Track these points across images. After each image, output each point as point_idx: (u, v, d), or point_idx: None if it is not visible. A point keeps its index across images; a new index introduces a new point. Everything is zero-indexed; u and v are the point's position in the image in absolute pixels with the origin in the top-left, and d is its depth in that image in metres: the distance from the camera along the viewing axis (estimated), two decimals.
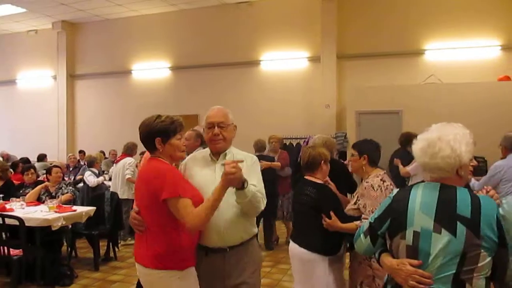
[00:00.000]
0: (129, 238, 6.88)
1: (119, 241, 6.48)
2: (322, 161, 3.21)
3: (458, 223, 1.70)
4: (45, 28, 12.45)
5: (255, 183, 2.38)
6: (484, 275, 1.72)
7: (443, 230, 1.72)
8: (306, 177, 3.25)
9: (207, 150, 2.58)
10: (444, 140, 1.80)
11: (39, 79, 12.93)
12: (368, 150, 3.15)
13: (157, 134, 2.34)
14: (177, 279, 2.29)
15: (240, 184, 2.20)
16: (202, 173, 2.47)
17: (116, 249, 6.13)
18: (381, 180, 2.97)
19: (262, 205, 2.38)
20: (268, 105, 10.35)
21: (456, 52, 8.96)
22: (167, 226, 2.28)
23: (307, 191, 3.12)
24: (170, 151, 2.36)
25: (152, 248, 2.29)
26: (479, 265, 1.70)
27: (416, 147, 1.89)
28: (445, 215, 1.74)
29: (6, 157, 10.88)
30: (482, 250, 1.69)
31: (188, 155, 4.00)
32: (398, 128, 8.48)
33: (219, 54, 10.81)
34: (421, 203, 1.81)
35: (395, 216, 1.87)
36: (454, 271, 1.71)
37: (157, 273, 2.28)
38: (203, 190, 2.37)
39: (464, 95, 8.06)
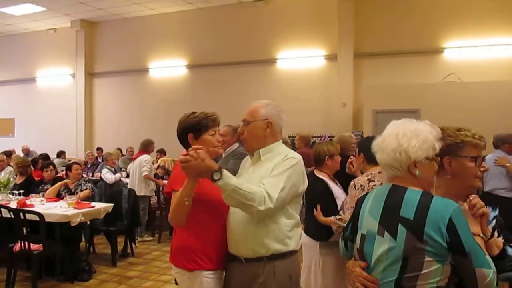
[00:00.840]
0: (146, 235, 6.97)
1: (136, 238, 6.55)
2: (327, 157, 3.42)
3: (400, 225, 1.58)
4: (64, 27, 12.62)
5: (265, 181, 2.07)
6: (434, 285, 1.55)
7: (385, 233, 1.62)
8: (314, 170, 3.50)
9: None
10: (393, 134, 1.71)
11: (58, 77, 13.12)
12: (365, 147, 3.07)
13: (189, 130, 2.33)
14: (186, 279, 2.24)
15: (209, 175, 1.93)
16: (244, 173, 2.35)
17: (134, 246, 6.20)
18: (368, 179, 2.95)
19: (258, 206, 1.97)
20: (284, 104, 10.10)
21: (477, 51, 8.80)
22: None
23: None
24: (204, 146, 2.20)
25: (173, 243, 2.34)
26: (422, 272, 1.54)
27: (374, 142, 1.80)
28: (389, 217, 1.63)
29: (26, 152, 11.09)
30: (426, 256, 1.53)
31: (225, 151, 4.03)
32: None
33: (235, 52, 10.82)
34: (370, 205, 1.74)
35: (353, 219, 1.84)
36: (395, 277, 1.58)
37: (174, 268, 2.33)
38: None
39: (484, 94, 7.93)
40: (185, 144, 2.34)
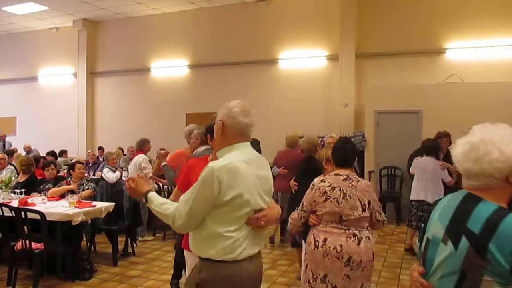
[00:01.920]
0: (147, 235, 6.96)
1: (137, 237, 6.56)
2: (324, 162, 3.60)
3: (464, 237, 1.50)
4: (66, 26, 12.64)
5: (180, 198, 2.18)
6: None
7: (449, 241, 1.56)
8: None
9: None
10: (490, 142, 1.55)
11: (60, 76, 13.15)
12: (333, 150, 3.28)
13: (208, 131, 2.75)
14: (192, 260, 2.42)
15: (140, 196, 2.26)
16: None
17: (135, 245, 6.20)
18: (321, 180, 3.12)
19: (173, 224, 2.12)
20: (286, 104, 10.33)
21: (478, 51, 8.82)
22: None
23: None
24: None
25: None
26: None
27: (457, 151, 1.64)
28: (455, 226, 1.56)
29: (28, 150, 11.12)
30: (486, 275, 1.43)
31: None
32: (417, 128, 8.41)
33: (237, 52, 10.83)
34: (441, 210, 1.68)
35: (426, 222, 1.81)
36: None
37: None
38: None
39: (486, 95, 7.92)
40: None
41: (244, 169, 2.11)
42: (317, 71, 10.27)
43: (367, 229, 3.02)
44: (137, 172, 6.77)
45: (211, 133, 2.39)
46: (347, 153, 3.20)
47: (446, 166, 5.93)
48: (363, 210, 2.97)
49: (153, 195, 2.22)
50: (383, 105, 8.74)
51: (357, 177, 3.10)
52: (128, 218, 6.00)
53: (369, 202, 2.99)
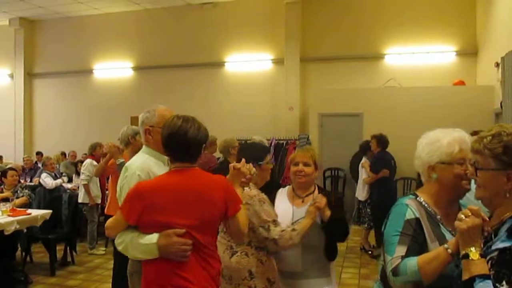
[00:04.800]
0: (96, 247, 6.45)
1: (91, 250, 6.33)
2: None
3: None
4: (2, 25, 11.99)
5: None
6: None
7: None
8: None
9: None
10: (420, 142, 1.94)
11: None
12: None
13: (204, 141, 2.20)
14: None
15: None
16: None
17: (74, 254, 5.97)
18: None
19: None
20: (233, 107, 10.35)
21: (414, 57, 9.26)
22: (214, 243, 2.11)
23: None
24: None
25: (213, 267, 2.02)
26: None
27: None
28: None
29: None
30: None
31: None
32: (359, 130, 8.68)
33: (183, 54, 10.73)
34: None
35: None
36: None
37: None
38: None
39: (421, 99, 8.34)
40: (196, 157, 2.12)
41: None
42: (263, 75, 10.38)
43: (249, 243, 2.44)
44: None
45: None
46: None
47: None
48: None
49: None
50: (327, 108, 8.96)
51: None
52: (67, 225, 5.78)
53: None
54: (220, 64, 10.59)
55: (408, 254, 1.64)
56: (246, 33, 10.34)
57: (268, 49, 10.27)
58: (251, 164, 2.26)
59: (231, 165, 2.21)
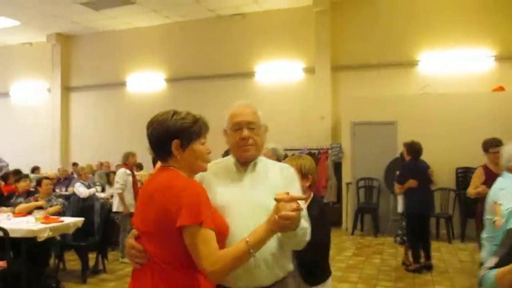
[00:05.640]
0: None
1: (123, 258, 6.33)
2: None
3: None
4: (40, 41, 12.44)
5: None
6: None
7: None
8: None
9: (229, 159, 2.02)
10: None
11: (34, 92, 12.90)
12: None
13: (175, 135, 1.74)
14: None
15: (297, 226, 1.67)
16: (226, 190, 1.90)
17: (106, 261, 5.99)
18: None
19: (308, 237, 1.85)
20: (263, 116, 10.21)
21: (451, 63, 8.97)
22: (183, 263, 1.66)
23: None
24: (190, 160, 1.76)
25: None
26: None
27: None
28: None
29: None
30: None
31: None
32: (393, 139, 8.44)
33: (214, 65, 10.80)
34: None
35: None
36: None
37: None
38: (226, 212, 1.83)
39: (458, 106, 8.06)
40: (163, 152, 1.78)
41: None
42: (294, 84, 10.30)
43: None
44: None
45: (181, 138, 1.80)
46: None
47: None
48: None
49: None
50: (359, 117, 8.78)
51: None
52: (99, 233, 5.81)
53: None
54: (250, 74, 10.58)
55: (497, 266, 1.62)
56: (275, 42, 10.32)
57: (299, 58, 10.19)
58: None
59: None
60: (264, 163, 2.01)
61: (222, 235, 1.74)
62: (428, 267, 5.86)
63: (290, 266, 1.97)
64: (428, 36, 9.10)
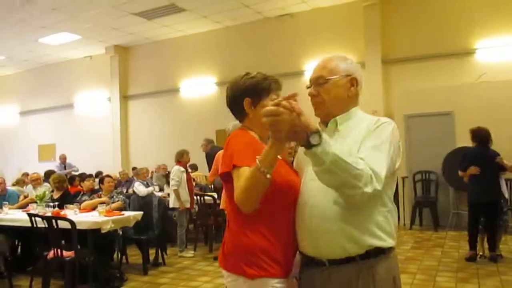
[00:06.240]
0: (185, 250, 6.70)
1: (181, 253, 6.59)
2: None
3: None
4: (99, 53, 13.16)
5: (364, 155, 1.53)
6: None
7: None
8: None
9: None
10: None
11: (95, 102, 13.63)
12: None
13: (245, 93, 1.82)
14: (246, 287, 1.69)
15: (303, 138, 1.42)
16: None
17: (165, 255, 6.23)
18: None
19: (364, 187, 1.46)
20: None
21: (508, 50, 8.50)
22: (236, 218, 1.75)
23: None
24: (261, 117, 1.55)
25: (225, 243, 1.81)
26: None
27: None
28: None
29: (63, 160, 11.81)
30: None
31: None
32: (450, 130, 8.16)
33: (263, 66, 10.72)
34: None
35: None
36: None
37: (227, 275, 1.77)
38: (301, 174, 1.76)
39: None
40: (239, 113, 1.87)
41: None
42: None
43: None
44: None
45: (252, 96, 1.84)
46: None
47: None
48: None
49: (328, 137, 1.47)
50: (413, 109, 8.57)
51: None
52: (157, 228, 6.06)
53: None
54: (300, 73, 10.59)
55: None
56: (324, 39, 10.28)
57: (349, 53, 9.92)
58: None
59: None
60: (355, 120, 1.75)
61: (291, 190, 1.72)
62: (493, 259, 5.60)
63: (371, 241, 1.58)
64: (482, 24, 8.69)
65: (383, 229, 1.61)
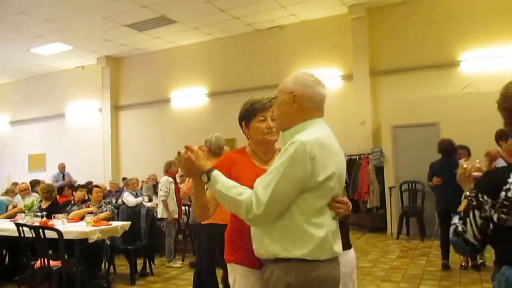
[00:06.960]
0: (173, 260, 6.71)
1: (169, 263, 6.61)
2: None
3: None
4: (91, 64, 13.23)
5: (260, 179, 1.78)
6: None
7: None
8: None
9: None
10: None
11: (86, 112, 13.67)
12: None
13: (241, 118, 2.27)
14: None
15: (198, 177, 1.85)
16: None
17: (153, 265, 6.25)
18: None
19: (246, 214, 1.73)
20: None
21: (493, 61, 8.71)
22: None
23: None
24: (254, 135, 2.20)
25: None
26: None
27: None
28: None
29: (63, 169, 12.22)
30: None
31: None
32: (436, 140, 8.24)
33: (254, 78, 11.04)
34: None
35: None
36: None
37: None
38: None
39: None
40: (245, 134, 2.30)
41: (335, 146, 1.85)
42: (333, 91, 10.31)
43: None
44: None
45: (245, 119, 2.24)
46: None
47: None
48: None
49: (218, 173, 1.81)
50: (400, 120, 8.69)
51: None
52: (145, 238, 6.09)
53: None
54: None
55: None
56: (313, 51, 10.45)
57: (337, 65, 10.26)
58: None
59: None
60: (294, 137, 1.85)
61: None
62: (475, 267, 5.69)
63: (280, 252, 1.77)
64: (467, 36, 8.92)
65: (288, 241, 1.77)
